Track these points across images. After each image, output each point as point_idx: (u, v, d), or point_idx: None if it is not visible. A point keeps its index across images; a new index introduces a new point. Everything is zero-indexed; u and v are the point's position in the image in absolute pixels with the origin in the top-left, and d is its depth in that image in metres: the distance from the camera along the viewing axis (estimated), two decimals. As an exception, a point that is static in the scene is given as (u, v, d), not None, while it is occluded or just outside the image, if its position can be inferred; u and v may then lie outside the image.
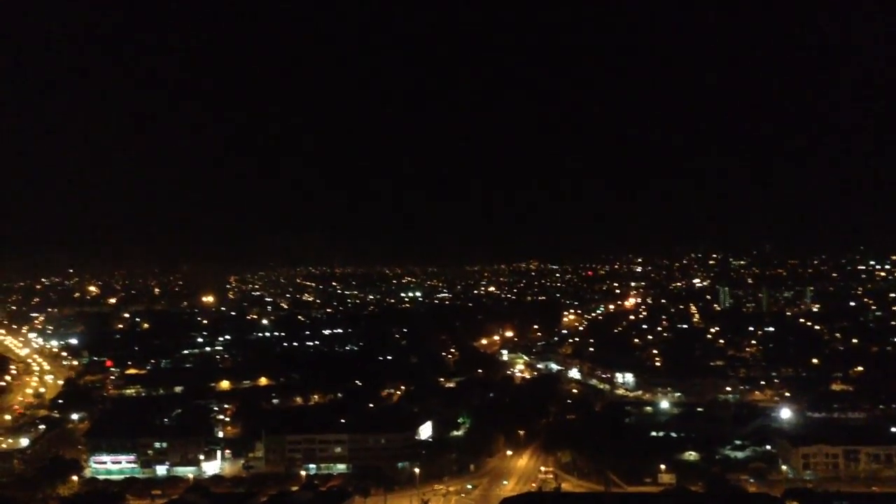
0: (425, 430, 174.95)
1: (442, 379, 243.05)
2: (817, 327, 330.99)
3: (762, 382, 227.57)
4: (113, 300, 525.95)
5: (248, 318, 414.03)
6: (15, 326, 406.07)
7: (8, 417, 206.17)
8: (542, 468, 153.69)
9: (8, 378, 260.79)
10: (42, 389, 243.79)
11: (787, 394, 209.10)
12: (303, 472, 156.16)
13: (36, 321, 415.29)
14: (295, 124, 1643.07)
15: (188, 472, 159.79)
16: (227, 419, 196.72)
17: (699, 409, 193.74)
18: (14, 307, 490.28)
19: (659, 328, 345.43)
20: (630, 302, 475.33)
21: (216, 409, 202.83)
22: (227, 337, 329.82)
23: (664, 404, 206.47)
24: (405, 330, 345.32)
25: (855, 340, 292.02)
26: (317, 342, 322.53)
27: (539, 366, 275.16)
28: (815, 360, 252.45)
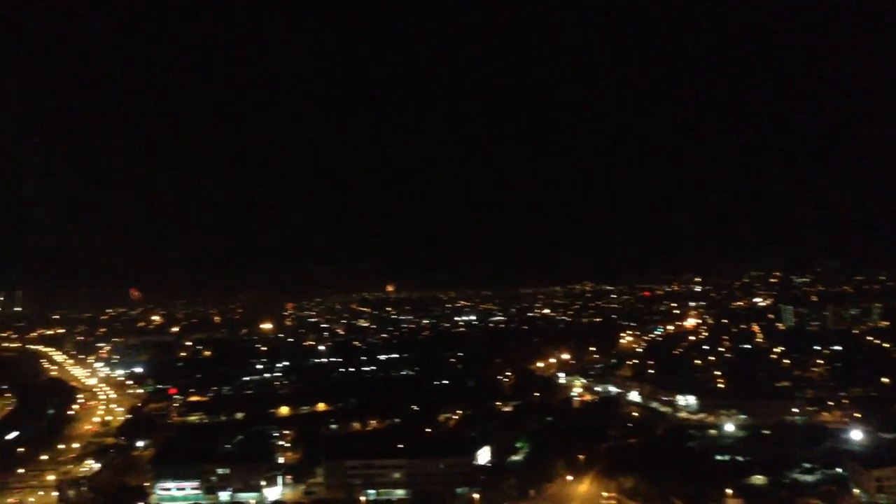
0: (483, 456, 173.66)
1: (498, 403, 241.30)
2: (886, 345, 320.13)
3: (830, 403, 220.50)
4: (175, 329, 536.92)
5: (305, 344, 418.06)
6: (82, 356, 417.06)
7: (76, 445, 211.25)
8: (604, 494, 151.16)
9: (76, 407, 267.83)
10: (108, 417, 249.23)
11: (857, 414, 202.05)
12: (362, 498, 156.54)
13: (101, 351, 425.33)
14: (350, 150, 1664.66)
15: (250, 497, 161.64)
16: (287, 445, 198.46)
17: (765, 432, 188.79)
18: (81, 337, 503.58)
19: (720, 349, 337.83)
20: (689, 322, 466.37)
21: (276, 434, 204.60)
22: (286, 363, 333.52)
23: (729, 427, 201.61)
24: (460, 354, 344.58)
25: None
26: (373, 367, 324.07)
27: (597, 389, 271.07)
28: (885, 379, 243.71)
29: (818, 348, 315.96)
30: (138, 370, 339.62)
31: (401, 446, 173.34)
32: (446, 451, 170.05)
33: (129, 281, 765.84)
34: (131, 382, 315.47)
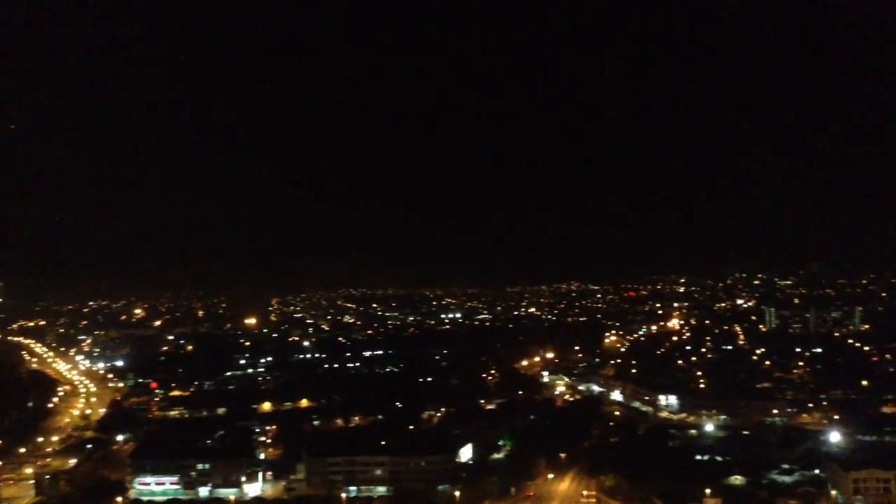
0: (466, 453, 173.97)
1: (482, 401, 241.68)
2: (867, 348, 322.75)
3: (810, 405, 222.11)
4: (158, 323, 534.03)
5: (290, 340, 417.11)
6: (63, 349, 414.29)
7: (55, 439, 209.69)
8: (585, 492, 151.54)
9: (56, 400, 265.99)
10: (88, 411, 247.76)
11: (837, 417, 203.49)
12: (343, 495, 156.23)
13: (83, 344, 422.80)
14: (337, 146, 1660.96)
15: (230, 493, 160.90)
16: (269, 441, 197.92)
17: (745, 433, 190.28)
18: (62, 330, 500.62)
19: (703, 349, 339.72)
20: (673, 323, 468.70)
21: (258, 430, 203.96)
22: (269, 359, 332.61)
23: (709, 427, 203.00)
24: (445, 351, 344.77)
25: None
26: (357, 364, 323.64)
27: (581, 388, 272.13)
28: (864, 382, 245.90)
29: (799, 350, 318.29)
30: (119, 364, 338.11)
31: (383, 443, 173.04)
32: (429, 448, 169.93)
33: (112, 273, 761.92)
34: (112, 376, 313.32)
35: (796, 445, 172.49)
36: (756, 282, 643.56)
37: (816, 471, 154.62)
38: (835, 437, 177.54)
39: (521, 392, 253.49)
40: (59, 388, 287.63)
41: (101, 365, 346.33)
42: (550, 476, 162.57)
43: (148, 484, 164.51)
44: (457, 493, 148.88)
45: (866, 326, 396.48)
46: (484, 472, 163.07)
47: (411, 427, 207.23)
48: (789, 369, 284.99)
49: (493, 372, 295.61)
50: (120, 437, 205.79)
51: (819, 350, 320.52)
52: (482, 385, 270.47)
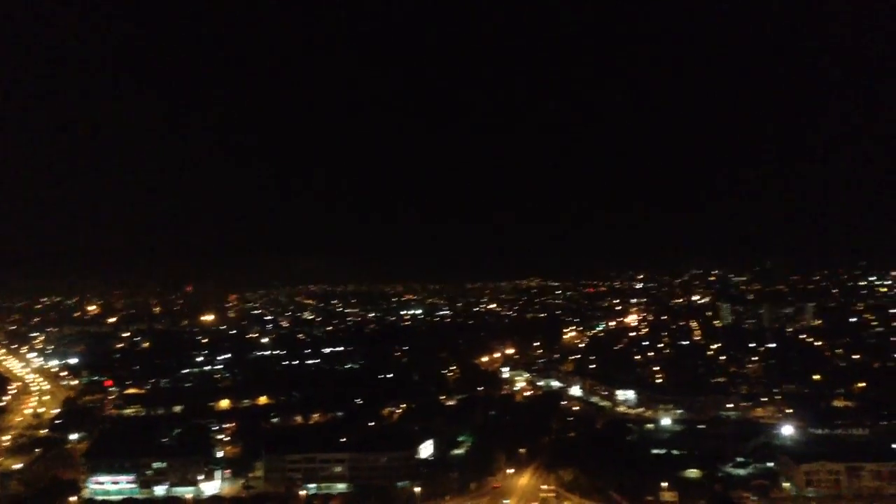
0: (426, 449, 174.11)
1: (443, 397, 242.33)
2: (819, 343, 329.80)
3: (764, 399, 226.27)
4: (113, 319, 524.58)
5: (248, 336, 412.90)
6: (15, 346, 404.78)
7: (7, 438, 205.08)
8: (544, 487, 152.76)
9: (7, 398, 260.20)
10: (41, 409, 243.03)
11: (789, 410, 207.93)
12: (302, 493, 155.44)
13: (35, 341, 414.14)
14: (295, 143, 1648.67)
15: (187, 492, 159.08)
16: (227, 439, 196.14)
17: (701, 427, 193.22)
18: (14, 327, 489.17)
19: (660, 345, 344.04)
20: (631, 318, 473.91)
21: (216, 428, 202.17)
22: (227, 356, 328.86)
23: (666, 421, 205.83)
24: (406, 348, 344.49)
25: (856, 356, 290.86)
26: (317, 360, 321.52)
27: (540, 383, 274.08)
28: (816, 377, 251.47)
29: (753, 346, 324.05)
30: (73, 361, 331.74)
31: (343, 440, 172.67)
32: (389, 444, 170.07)
33: (65, 269, 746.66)
34: (66, 373, 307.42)
35: (750, 439, 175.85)
36: (711, 278, 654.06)
37: (770, 463, 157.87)
38: (787, 430, 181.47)
39: (481, 388, 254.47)
40: (11, 387, 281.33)
41: (54, 362, 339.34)
42: (510, 471, 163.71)
43: (103, 483, 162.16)
44: (417, 490, 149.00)
45: (818, 322, 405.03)
46: (444, 467, 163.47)
47: (371, 424, 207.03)
48: (744, 364, 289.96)
49: (453, 368, 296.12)
50: (74, 436, 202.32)
51: (772, 345, 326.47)
52: (442, 381, 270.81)
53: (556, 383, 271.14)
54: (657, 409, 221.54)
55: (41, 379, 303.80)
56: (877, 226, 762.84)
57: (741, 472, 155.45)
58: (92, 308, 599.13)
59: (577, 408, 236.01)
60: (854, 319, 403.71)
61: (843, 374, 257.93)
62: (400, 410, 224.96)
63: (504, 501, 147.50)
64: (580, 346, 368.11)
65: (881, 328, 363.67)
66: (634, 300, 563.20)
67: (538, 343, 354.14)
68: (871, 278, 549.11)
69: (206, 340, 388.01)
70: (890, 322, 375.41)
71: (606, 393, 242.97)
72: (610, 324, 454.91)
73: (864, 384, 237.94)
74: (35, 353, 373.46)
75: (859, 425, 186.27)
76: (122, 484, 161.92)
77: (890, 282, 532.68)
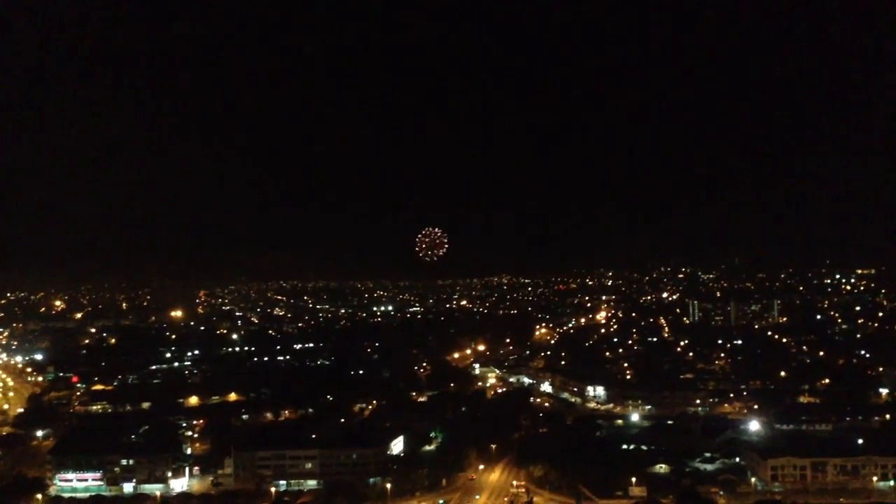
0: (397, 446, 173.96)
1: (414, 393, 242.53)
2: (784, 340, 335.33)
3: (731, 395, 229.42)
4: (79, 315, 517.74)
5: (218, 333, 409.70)
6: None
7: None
8: (514, 482, 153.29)
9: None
10: (6, 406, 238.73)
11: (756, 406, 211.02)
12: (273, 489, 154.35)
13: (0, 336, 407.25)
14: (266, 138, 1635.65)
15: (155, 489, 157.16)
16: (196, 435, 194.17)
17: (669, 422, 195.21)
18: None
19: (629, 341, 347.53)
20: (601, 315, 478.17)
21: (184, 425, 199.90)
22: (196, 352, 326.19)
23: (635, 417, 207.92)
24: (377, 344, 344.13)
25: (821, 353, 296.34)
26: (287, 357, 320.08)
27: (511, 379, 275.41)
28: (782, 373, 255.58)
29: (721, 342, 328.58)
30: (38, 357, 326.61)
31: (313, 437, 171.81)
32: (359, 441, 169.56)
33: (30, 263, 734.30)
34: (31, 370, 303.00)
35: (717, 434, 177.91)
36: (680, 275, 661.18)
37: (737, 459, 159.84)
38: (754, 425, 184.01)
39: (452, 384, 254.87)
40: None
41: (18, 358, 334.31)
42: (481, 467, 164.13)
43: (70, 480, 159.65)
44: (388, 486, 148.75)
45: (784, 319, 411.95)
46: (415, 464, 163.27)
47: (342, 420, 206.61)
48: (711, 360, 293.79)
49: (424, 364, 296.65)
50: (39, 433, 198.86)
51: (739, 342, 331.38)
52: (413, 377, 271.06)
53: (526, 380, 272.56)
54: (626, 405, 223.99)
55: (5, 375, 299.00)
56: (842, 224, 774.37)
57: (709, 467, 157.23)
58: (58, 303, 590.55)
59: (548, 404, 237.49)
60: (819, 317, 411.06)
61: (808, 370, 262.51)
62: (371, 407, 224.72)
63: (475, 497, 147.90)
64: (551, 342, 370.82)
65: (846, 325, 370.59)
66: (605, 297, 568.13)
67: (509, 340, 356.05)
68: (836, 276, 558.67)
69: (174, 336, 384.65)
70: (854, 319, 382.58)
71: (576, 389, 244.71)
72: (580, 320, 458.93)
73: (828, 381, 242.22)
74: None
75: (824, 421, 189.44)
76: (89, 481, 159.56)
77: (854, 280, 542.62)
